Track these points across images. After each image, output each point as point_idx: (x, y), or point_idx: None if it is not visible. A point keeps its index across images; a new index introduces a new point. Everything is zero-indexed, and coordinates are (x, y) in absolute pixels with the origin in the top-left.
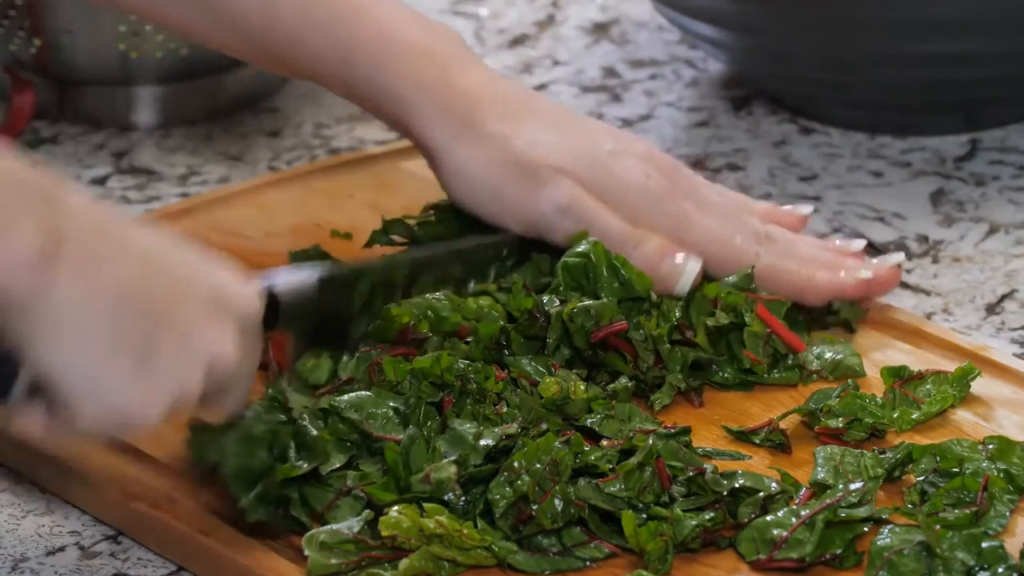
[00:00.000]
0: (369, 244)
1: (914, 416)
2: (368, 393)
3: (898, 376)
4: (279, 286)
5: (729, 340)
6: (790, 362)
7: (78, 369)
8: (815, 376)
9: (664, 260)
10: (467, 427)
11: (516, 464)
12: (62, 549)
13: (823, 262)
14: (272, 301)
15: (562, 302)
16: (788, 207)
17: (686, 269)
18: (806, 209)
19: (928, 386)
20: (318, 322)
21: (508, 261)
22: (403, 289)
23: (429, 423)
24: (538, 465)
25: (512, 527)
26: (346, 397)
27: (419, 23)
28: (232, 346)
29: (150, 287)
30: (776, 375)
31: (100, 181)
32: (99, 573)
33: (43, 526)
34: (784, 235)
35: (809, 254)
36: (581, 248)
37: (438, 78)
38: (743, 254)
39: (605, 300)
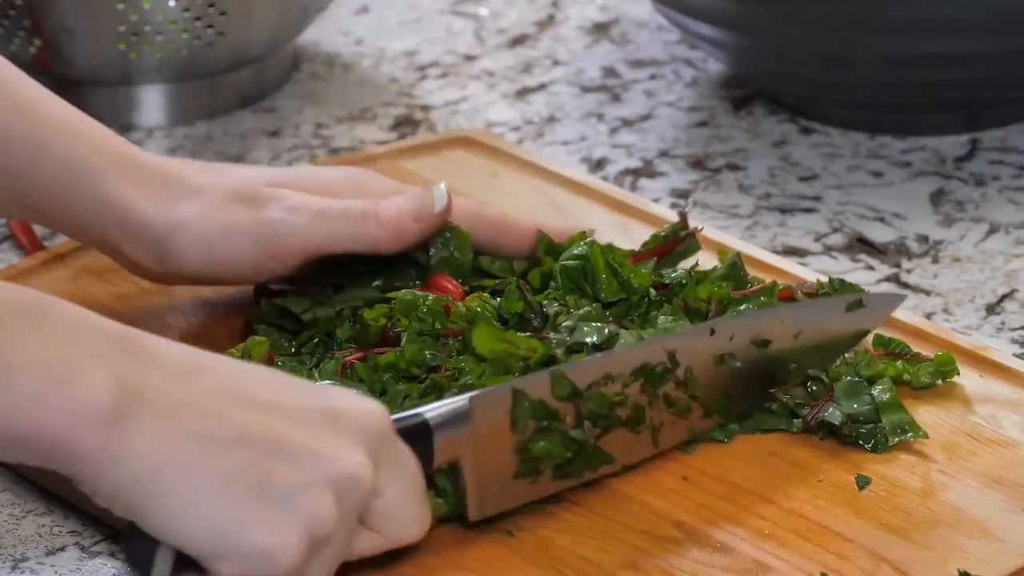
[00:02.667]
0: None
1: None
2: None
3: (885, 347)
4: (427, 413)
5: None
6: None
7: (193, 527)
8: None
9: (411, 201)
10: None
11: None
12: (62, 549)
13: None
14: (424, 431)
15: (561, 304)
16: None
17: (437, 189)
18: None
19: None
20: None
21: None
22: (568, 401)
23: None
24: None
25: None
26: None
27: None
28: (357, 462)
29: (245, 422)
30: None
31: None
32: (99, 573)
33: (43, 526)
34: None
35: None
36: (577, 250)
37: (129, 158)
38: (469, 205)
39: (591, 309)
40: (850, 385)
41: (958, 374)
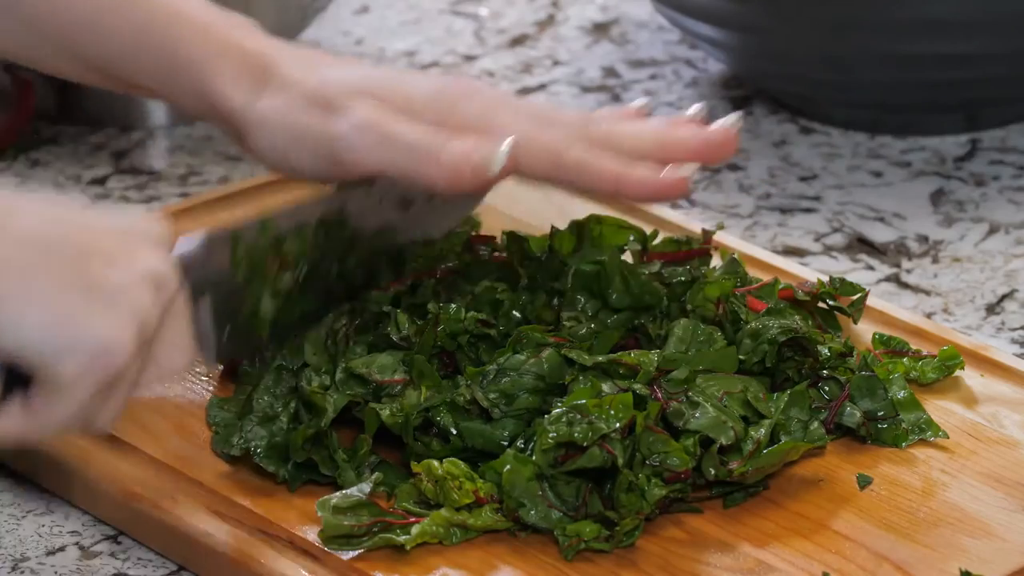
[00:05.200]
0: None
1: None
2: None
3: (886, 345)
4: (180, 250)
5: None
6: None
7: (33, 319)
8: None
9: (475, 151)
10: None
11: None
12: (62, 549)
13: (646, 152)
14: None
15: (581, 308)
16: (627, 106)
17: (498, 149)
18: (641, 101)
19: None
20: (216, 288)
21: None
22: (276, 249)
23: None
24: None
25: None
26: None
27: (213, 7)
28: (165, 262)
29: (67, 228)
30: None
31: (100, 181)
32: (99, 573)
33: (43, 526)
34: (611, 124)
35: (634, 144)
36: (598, 257)
37: (234, 43)
38: (551, 145)
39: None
40: (864, 381)
41: (963, 367)
